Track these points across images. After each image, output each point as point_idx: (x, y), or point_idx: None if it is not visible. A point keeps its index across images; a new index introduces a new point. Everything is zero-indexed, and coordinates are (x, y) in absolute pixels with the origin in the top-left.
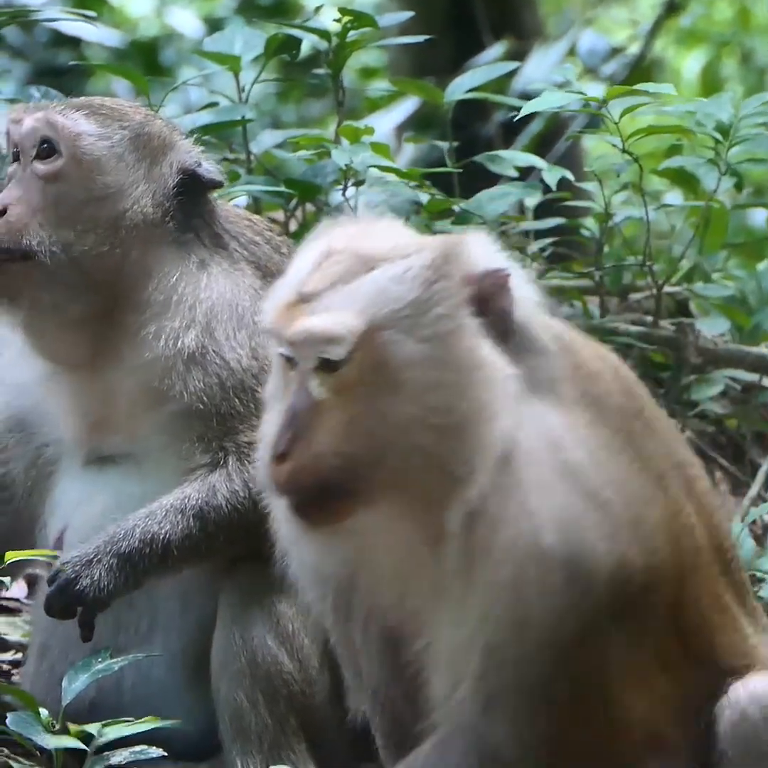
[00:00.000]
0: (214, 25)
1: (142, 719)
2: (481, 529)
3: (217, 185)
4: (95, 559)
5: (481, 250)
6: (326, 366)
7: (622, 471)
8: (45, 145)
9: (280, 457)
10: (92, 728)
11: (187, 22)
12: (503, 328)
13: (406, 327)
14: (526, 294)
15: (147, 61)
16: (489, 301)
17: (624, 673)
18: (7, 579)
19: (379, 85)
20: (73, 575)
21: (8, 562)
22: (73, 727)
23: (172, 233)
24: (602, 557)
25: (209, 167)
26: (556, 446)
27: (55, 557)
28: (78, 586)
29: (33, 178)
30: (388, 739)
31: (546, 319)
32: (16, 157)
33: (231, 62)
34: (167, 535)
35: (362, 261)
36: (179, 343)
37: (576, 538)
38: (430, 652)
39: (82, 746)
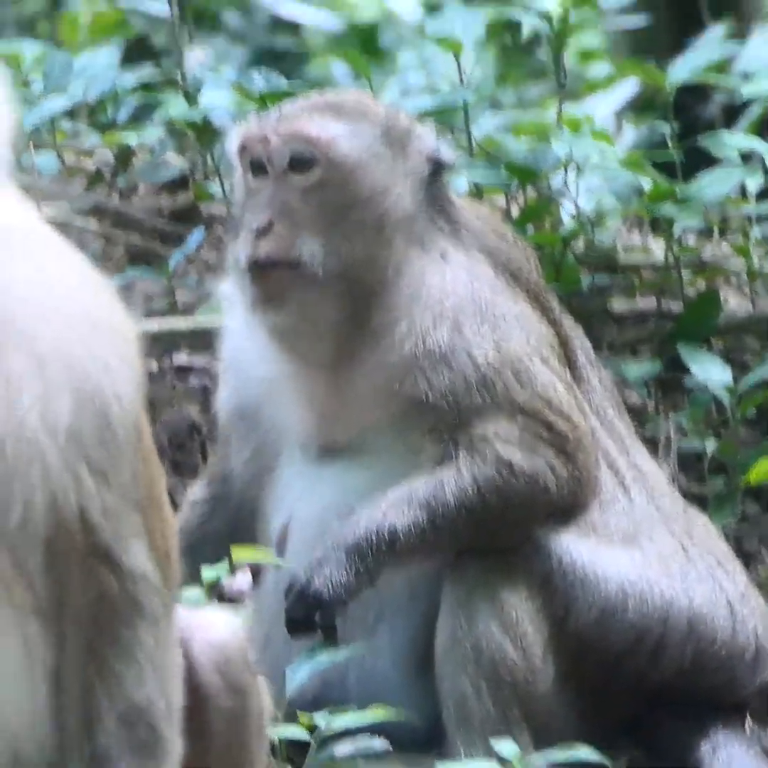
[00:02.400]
0: (432, 8)
1: (367, 710)
2: None
3: (452, 167)
4: (324, 558)
5: None
6: None
7: None
8: (299, 158)
9: None
10: (317, 718)
11: (405, 6)
12: None
13: None
14: None
15: (365, 44)
16: None
17: None
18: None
19: (600, 67)
20: (305, 579)
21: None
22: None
23: (420, 224)
24: None
25: (445, 150)
26: None
27: (280, 558)
28: (313, 588)
29: (291, 190)
30: None
31: None
32: (257, 170)
33: (452, 45)
34: (393, 524)
35: None
36: (428, 341)
37: None
38: None
39: (306, 737)
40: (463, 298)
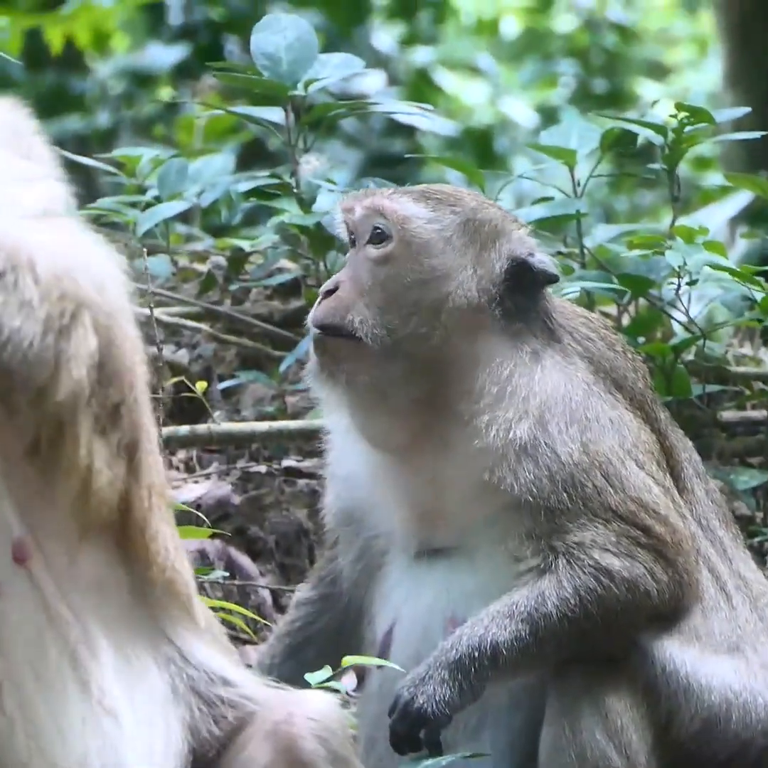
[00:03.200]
0: (547, 114)
1: None
2: None
3: (551, 278)
4: (427, 676)
5: None
6: None
7: None
8: (377, 231)
9: None
10: None
11: (520, 111)
12: None
13: None
14: None
15: (480, 149)
16: None
17: None
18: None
19: (713, 179)
20: (409, 696)
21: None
22: None
23: (501, 322)
24: None
25: (542, 258)
26: None
27: (385, 660)
28: (416, 705)
29: (365, 260)
30: None
31: None
32: (352, 243)
33: (566, 156)
34: (495, 639)
35: None
36: (511, 434)
37: None
38: None
39: None
40: (550, 398)
